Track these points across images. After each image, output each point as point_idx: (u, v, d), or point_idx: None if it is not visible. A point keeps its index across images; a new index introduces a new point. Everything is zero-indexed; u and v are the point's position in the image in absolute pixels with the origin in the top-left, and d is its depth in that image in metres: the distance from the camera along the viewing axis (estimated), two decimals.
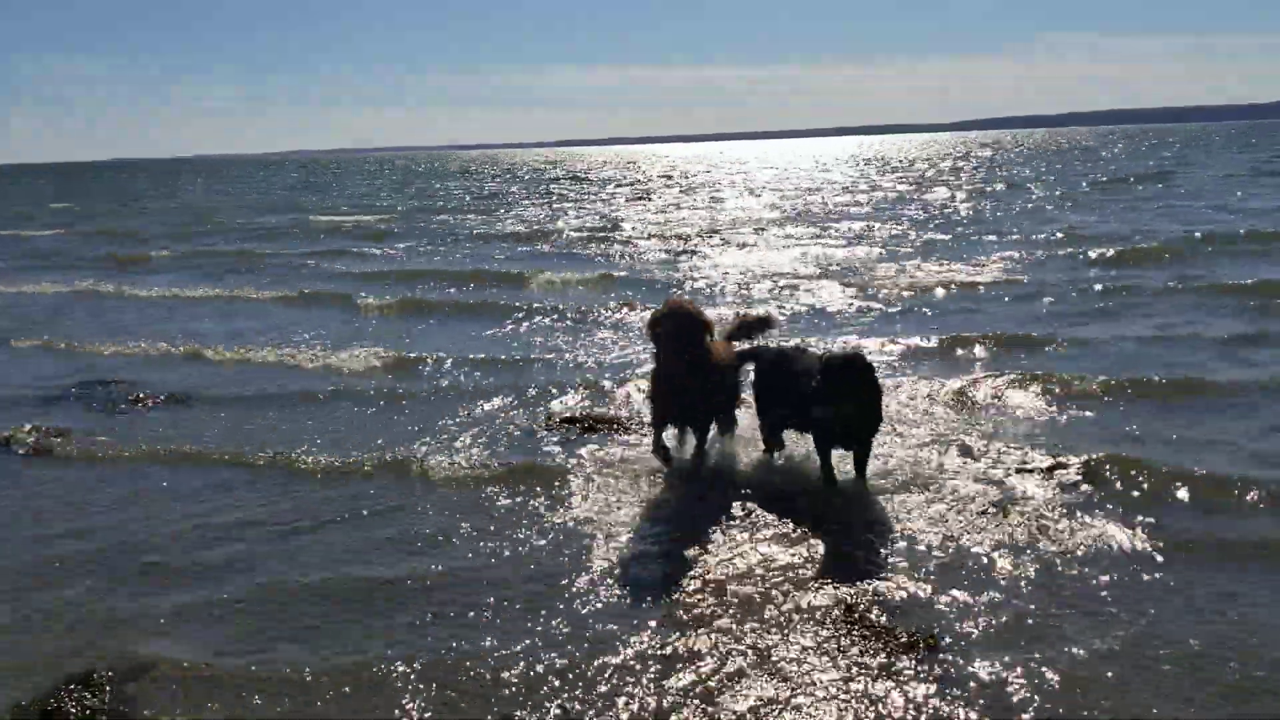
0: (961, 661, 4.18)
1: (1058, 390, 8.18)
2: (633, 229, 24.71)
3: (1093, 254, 16.44)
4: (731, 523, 5.75)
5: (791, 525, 5.69)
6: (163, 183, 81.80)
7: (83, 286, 17.59)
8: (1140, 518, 5.54)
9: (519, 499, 6.21)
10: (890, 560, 5.22)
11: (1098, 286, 13.59)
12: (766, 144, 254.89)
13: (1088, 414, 7.66)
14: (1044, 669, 4.10)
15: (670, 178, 57.96)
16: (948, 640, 4.35)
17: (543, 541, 5.53)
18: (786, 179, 50.92)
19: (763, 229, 23.69)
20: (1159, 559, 5.08)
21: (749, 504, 6.01)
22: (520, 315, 12.88)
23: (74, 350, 11.70)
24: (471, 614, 4.72)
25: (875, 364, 6.31)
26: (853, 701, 3.92)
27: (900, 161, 71.91)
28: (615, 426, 7.61)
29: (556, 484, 6.39)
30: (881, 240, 20.32)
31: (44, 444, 7.65)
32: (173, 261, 21.71)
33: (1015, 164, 58.11)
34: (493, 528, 5.77)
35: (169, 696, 4.11)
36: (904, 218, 25.34)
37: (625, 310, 12.75)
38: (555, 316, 12.76)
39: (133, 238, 28.13)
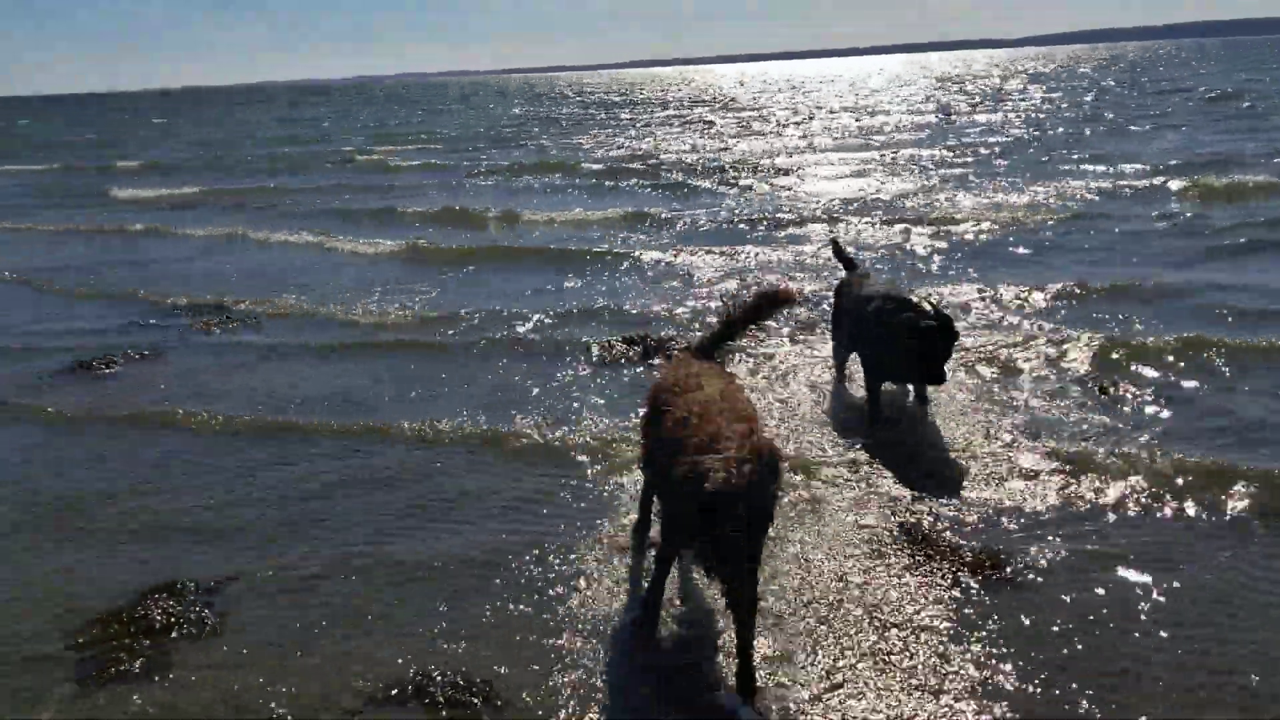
0: (1022, 582, 4.50)
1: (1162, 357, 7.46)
2: (685, 159, 24.64)
3: (1191, 182, 15.67)
4: (790, 450, 6.04)
5: (850, 455, 6.02)
6: (199, 113, 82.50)
7: (110, 226, 18.16)
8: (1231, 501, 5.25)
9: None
10: (956, 489, 5.51)
11: (1222, 223, 12.68)
12: (826, 62, 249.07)
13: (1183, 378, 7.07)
14: (1099, 591, 4.42)
15: (713, 100, 57.23)
16: (1011, 562, 4.68)
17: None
18: (849, 100, 50.05)
19: (825, 155, 23.58)
20: (1243, 520, 5.05)
21: (807, 435, 6.34)
22: (573, 263, 12.47)
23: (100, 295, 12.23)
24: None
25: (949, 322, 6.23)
26: (923, 616, 4.27)
27: (970, 78, 69.97)
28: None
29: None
30: (960, 167, 20.00)
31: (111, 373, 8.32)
32: (204, 197, 22.21)
33: (1096, 82, 56.31)
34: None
35: (251, 604, 4.58)
36: (981, 141, 24.95)
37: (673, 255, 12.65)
38: (594, 262, 12.43)
39: (156, 170, 28.86)
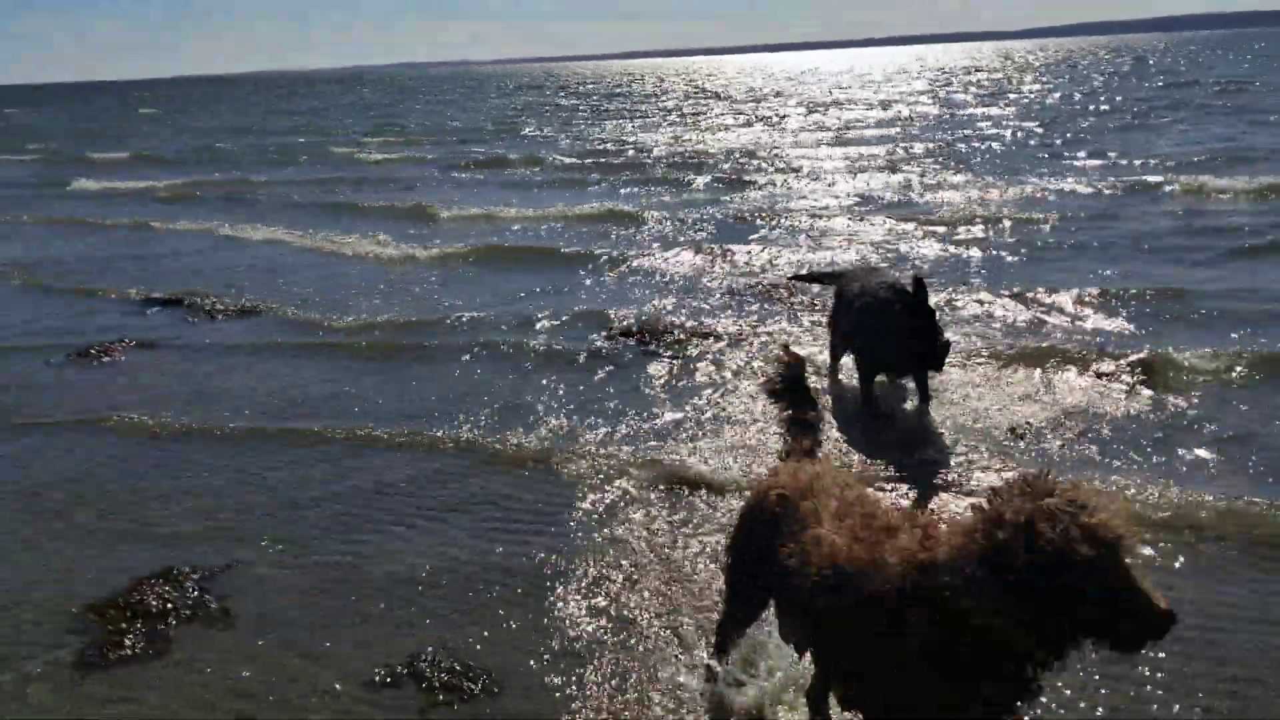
0: None
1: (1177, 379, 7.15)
2: (682, 152, 24.78)
3: (1206, 179, 15.41)
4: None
5: (848, 444, 6.19)
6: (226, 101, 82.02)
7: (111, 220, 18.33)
8: None
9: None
10: (956, 483, 5.64)
11: (1241, 222, 12.44)
12: (829, 54, 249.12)
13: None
14: None
15: (709, 92, 57.31)
16: None
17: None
18: (853, 92, 49.98)
19: (825, 149, 23.59)
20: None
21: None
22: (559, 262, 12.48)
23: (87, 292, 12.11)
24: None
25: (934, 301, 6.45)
26: None
27: (977, 70, 69.62)
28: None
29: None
30: (968, 162, 19.80)
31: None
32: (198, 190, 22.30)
33: (1104, 74, 56.32)
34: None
35: (248, 593, 4.71)
36: (990, 135, 24.88)
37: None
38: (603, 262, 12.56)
39: (163, 162, 28.96)
